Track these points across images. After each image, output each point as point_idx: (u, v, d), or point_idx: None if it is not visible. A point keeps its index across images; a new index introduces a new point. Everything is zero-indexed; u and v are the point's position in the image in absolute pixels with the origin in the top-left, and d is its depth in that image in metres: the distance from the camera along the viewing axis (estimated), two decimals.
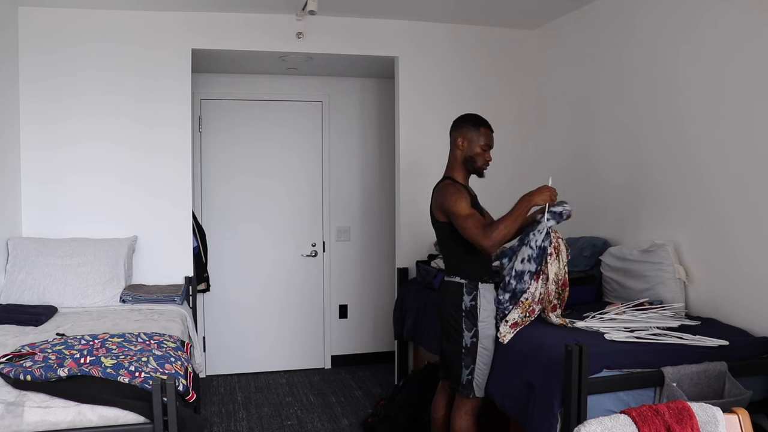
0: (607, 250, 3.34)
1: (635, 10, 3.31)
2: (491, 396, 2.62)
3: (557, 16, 4.02)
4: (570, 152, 3.93)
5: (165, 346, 2.44)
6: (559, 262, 2.60)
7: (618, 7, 3.46)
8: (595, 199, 3.64)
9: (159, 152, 3.82)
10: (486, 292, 2.64)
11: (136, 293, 3.46)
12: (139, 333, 2.59)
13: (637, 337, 2.44)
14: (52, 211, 3.68)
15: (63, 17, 3.66)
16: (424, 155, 4.09)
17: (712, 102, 2.79)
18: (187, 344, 2.80)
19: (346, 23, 4.04)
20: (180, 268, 3.86)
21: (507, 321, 2.60)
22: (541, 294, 2.60)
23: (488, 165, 2.74)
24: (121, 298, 3.45)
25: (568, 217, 2.58)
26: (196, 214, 4.42)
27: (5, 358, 2.18)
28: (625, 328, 2.56)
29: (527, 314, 2.60)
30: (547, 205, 2.57)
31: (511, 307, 2.63)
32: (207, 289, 4.46)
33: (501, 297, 2.66)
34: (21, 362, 2.13)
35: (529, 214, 2.62)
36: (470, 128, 2.70)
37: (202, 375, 4.43)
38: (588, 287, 3.27)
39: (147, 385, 1.99)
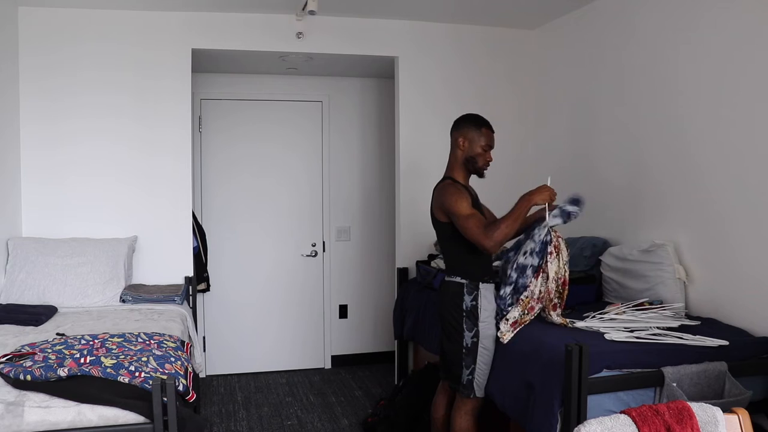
0: (607, 250, 3.34)
1: (635, 10, 3.31)
2: (491, 396, 2.62)
3: (557, 16, 4.02)
4: (570, 152, 3.93)
5: (165, 346, 2.44)
6: (559, 260, 2.60)
7: (618, 7, 3.46)
8: (595, 199, 3.61)
9: (159, 152, 3.82)
10: (487, 292, 2.64)
11: (136, 293, 3.46)
12: (139, 333, 2.59)
13: (637, 337, 2.44)
14: (52, 211, 3.68)
15: (63, 17, 3.66)
16: (424, 155, 4.09)
17: (712, 102, 2.79)
18: (187, 344, 2.80)
19: (346, 23, 4.04)
20: (180, 268, 3.86)
21: (507, 320, 2.60)
22: (541, 292, 2.60)
23: (489, 165, 2.75)
24: (121, 298, 3.46)
25: (575, 217, 2.58)
26: (196, 214, 4.42)
27: (5, 358, 2.19)
28: (625, 328, 2.56)
29: (526, 311, 2.60)
30: (546, 204, 2.58)
31: (511, 302, 2.63)
32: (207, 289, 4.46)
33: (502, 291, 2.66)
34: (21, 362, 2.13)
35: (529, 213, 2.62)
36: (471, 128, 2.70)
37: (202, 375, 4.43)
38: (588, 287, 3.27)
39: (147, 385, 2.00)
